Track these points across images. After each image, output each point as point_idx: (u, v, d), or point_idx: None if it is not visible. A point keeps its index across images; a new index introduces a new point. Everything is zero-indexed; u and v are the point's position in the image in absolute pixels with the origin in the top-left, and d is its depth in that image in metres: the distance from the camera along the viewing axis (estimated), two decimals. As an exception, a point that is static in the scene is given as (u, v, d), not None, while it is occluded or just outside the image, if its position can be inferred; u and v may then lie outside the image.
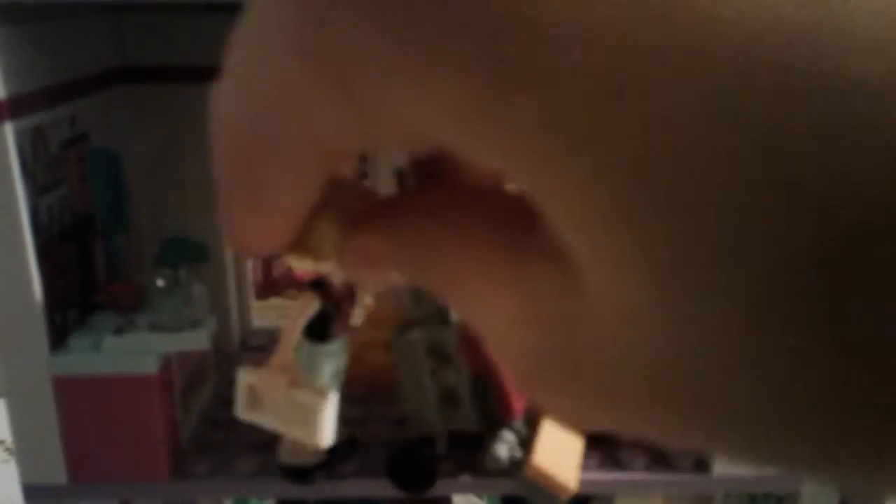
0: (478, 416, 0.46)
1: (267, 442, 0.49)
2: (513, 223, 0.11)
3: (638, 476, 0.46)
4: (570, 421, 0.11)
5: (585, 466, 0.46)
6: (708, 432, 0.09)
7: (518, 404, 0.45)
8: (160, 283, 0.48)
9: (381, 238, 0.13)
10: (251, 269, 0.63)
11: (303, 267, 0.14)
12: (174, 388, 0.46)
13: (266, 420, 0.31)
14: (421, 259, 0.12)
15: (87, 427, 0.44)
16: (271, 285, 0.76)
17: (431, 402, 0.46)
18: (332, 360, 0.41)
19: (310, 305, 0.36)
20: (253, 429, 0.50)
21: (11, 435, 0.43)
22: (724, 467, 0.45)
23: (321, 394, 0.31)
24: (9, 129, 0.38)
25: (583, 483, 0.46)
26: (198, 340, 0.44)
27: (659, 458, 0.47)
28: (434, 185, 0.14)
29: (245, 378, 0.31)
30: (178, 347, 0.44)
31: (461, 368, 0.45)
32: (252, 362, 0.32)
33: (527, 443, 0.45)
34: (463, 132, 0.08)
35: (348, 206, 0.13)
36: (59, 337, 0.43)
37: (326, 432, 0.31)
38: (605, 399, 0.10)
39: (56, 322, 0.44)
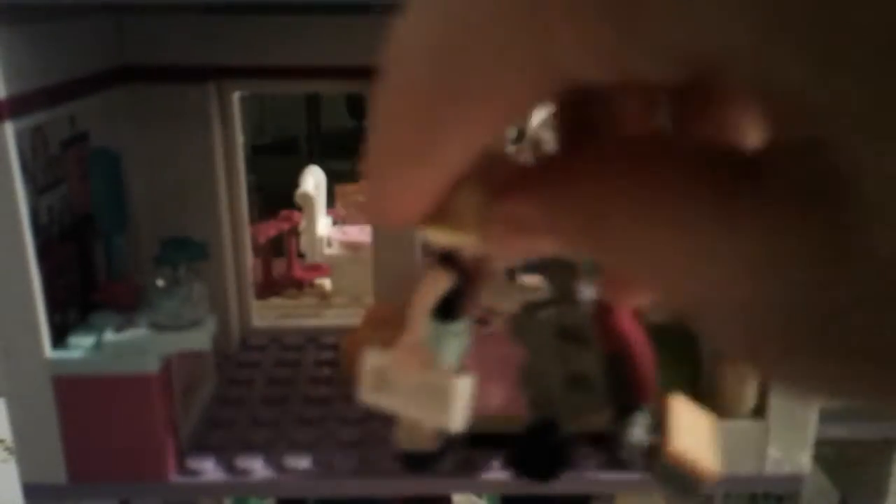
0: (607, 399, 0.43)
1: (267, 441, 0.49)
2: (702, 172, 0.10)
3: (638, 476, 0.46)
4: (807, 388, 0.10)
5: (585, 466, 0.46)
6: None
7: (652, 386, 0.43)
8: (160, 282, 0.48)
9: (535, 203, 0.12)
10: (251, 269, 0.63)
11: (441, 240, 0.14)
12: (174, 388, 0.46)
13: (392, 403, 0.30)
14: (589, 221, 0.11)
15: (87, 427, 0.44)
16: (271, 285, 0.76)
17: (558, 386, 0.43)
18: (457, 341, 0.39)
19: (440, 282, 0.33)
20: (253, 429, 0.50)
21: (11, 435, 0.43)
22: (723, 467, 0.45)
23: (458, 376, 0.29)
24: (9, 128, 0.38)
25: (583, 483, 0.46)
26: (198, 340, 0.44)
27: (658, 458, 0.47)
28: (576, 149, 0.13)
29: (373, 360, 0.30)
30: (178, 347, 0.44)
31: (592, 350, 0.42)
32: (376, 344, 0.31)
33: (656, 427, 0.43)
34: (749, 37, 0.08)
35: (489, 175, 0.13)
36: (59, 336, 0.43)
37: (460, 416, 0.29)
38: (865, 355, 0.09)
39: (56, 322, 0.44)
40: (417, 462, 0.42)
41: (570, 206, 0.11)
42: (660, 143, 0.11)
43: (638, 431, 0.43)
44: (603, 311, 0.42)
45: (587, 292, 0.42)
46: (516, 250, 0.13)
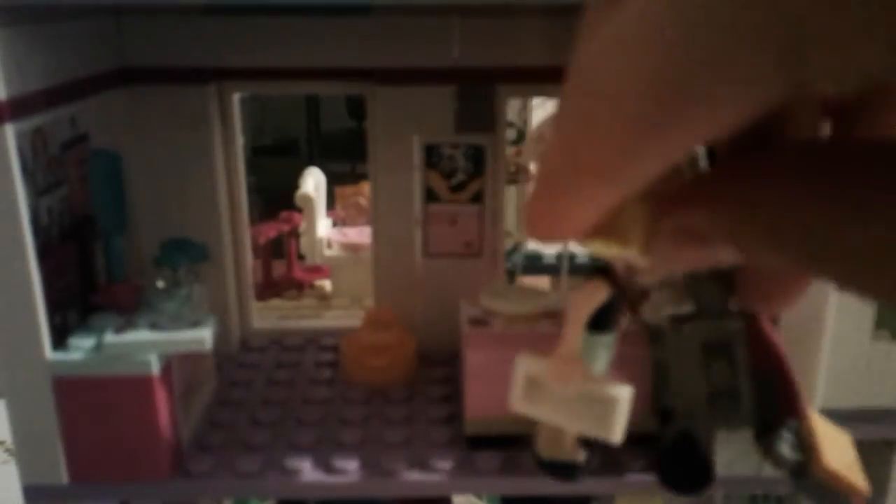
0: (752, 414, 0.43)
1: (267, 442, 0.49)
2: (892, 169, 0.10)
3: (638, 478, 0.46)
4: None
5: (585, 468, 0.46)
6: None
7: (802, 402, 0.43)
8: (160, 283, 0.48)
9: (711, 213, 0.12)
10: (251, 270, 0.63)
11: (604, 252, 0.14)
12: (174, 389, 0.46)
13: (545, 413, 0.30)
14: (779, 226, 0.11)
15: (87, 427, 0.44)
16: (271, 286, 0.76)
17: (702, 400, 0.43)
18: (606, 352, 0.39)
19: (597, 294, 0.33)
20: (253, 429, 0.50)
21: (11, 435, 0.43)
22: (724, 467, 0.45)
23: (621, 387, 0.29)
24: (9, 130, 0.38)
25: (583, 483, 0.46)
26: (198, 341, 0.44)
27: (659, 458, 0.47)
28: (744, 158, 0.13)
29: (527, 368, 0.29)
30: (178, 348, 0.44)
31: (739, 363, 0.42)
32: (530, 352, 0.30)
33: (802, 443, 0.43)
34: None
35: (652, 189, 0.13)
36: (59, 337, 0.43)
37: (621, 428, 0.29)
38: None
39: (56, 322, 0.44)
40: (561, 471, 0.41)
41: (753, 214, 0.11)
42: (851, 145, 0.12)
43: (785, 447, 0.43)
44: (750, 324, 0.41)
45: (734, 306, 0.42)
46: (683, 262, 0.14)
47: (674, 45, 0.10)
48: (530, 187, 1.00)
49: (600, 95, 0.11)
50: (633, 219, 0.13)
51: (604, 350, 0.39)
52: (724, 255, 0.13)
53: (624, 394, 0.29)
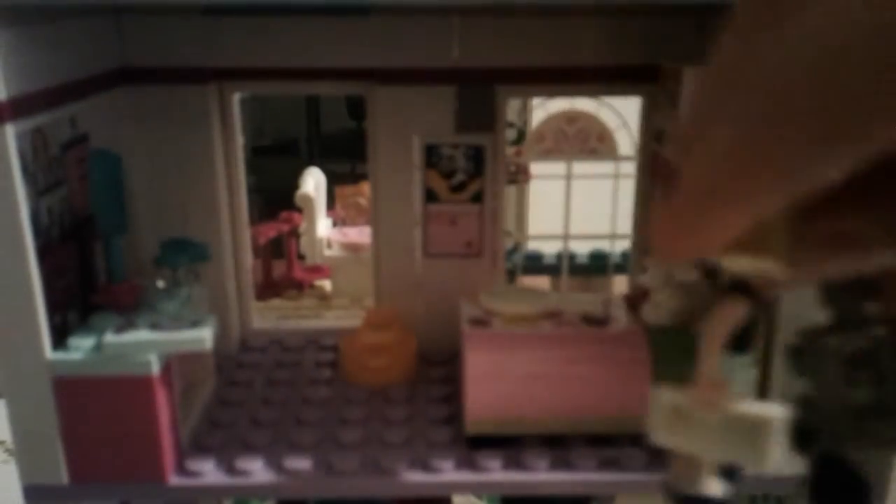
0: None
1: (267, 442, 0.49)
2: None
3: (638, 477, 0.46)
4: None
5: (585, 468, 0.46)
6: None
7: None
8: (160, 283, 0.48)
9: (872, 215, 0.12)
10: (251, 270, 0.63)
11: (743, 267, 0.13)
12: (174, 389, 0.46)
13: (691, 444, 0.28)
14: None
15: (87, 427, 0.44)
16: (271, 286, 0.76)
17: (850, 416, 0.41)
18: (747, 373, 0.37)
19: (735, 312, 0.31)
20: (253, 429, 0.50)
21: (11, 436, 0.43)
22: (723, 468, 0.45)
23: (772, 407, 0.27)
24: (9, 130, 0.38)
25: (582, 483, 0.46)
26: (198, 341, 0.44)
27: (658, 460, 0.47)
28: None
29: (666, 399, 0.28)
30: (178, 348, 0.44)
31: (890, 375, 0.40)
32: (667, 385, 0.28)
33: None
34: None
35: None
36: (59, 337, 0.43)
37: (774, 453, 0.27)
38: None
39: (56, 322, 0.44)
40: None
41: None
42: None
43: None
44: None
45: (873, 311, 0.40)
46: (831, 270, 0.13)
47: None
48: (530, 188, 1.00)
49: (770, 115, 0.11)
50: (776, 229, 0.13)
51: (744, 371, 0.37)
52: (882, 259, 0.12)
53: (776, 414, 0.26)
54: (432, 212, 0.58)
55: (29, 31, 0.41)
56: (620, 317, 0.51)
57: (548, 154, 0.58)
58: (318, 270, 0.78)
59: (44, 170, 0.44)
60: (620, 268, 0.67)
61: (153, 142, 0.55)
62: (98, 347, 0.43)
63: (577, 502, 0.67)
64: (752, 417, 0.27)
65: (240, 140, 0.59)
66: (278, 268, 0.79)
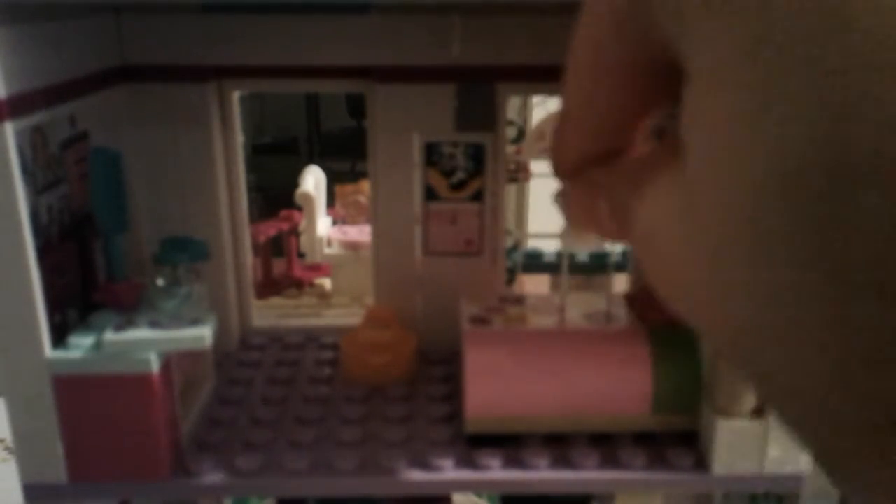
0: None
1: (267, 440, 0.49)
2: None
3: (638, 476, 0.46)
4: None
5: (585, 466, 0.46)
6: None
7: None
8: (160, 282, 0.48)
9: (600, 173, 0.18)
10: (251, 268, 0.63)
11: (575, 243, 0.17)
12: (174, 388, 0.46)
13: None
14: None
15: (87, 427, 0.44)
16: (271, 285, 0.76)
17: None
18: None
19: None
20: (253, 427, 0.50)
21: (11, 434, 0.43)
22: (723, 467, 0.45)
23: None
24: (8, 128, 0.38)
25: (582, 483, 0.46)
26: (198, 340, 0.44)
27: (658, 458, 0.47)
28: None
29: None
30: (178, 347, 0.44)
31: None
32: None
33: None
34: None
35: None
36: (58, 336, 0.43)
37: None
38: None
39: (56, 321, 0.44)
40: None
41: (618, 178, 0.18)
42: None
43: None
44: None
45: None
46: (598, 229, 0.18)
47: None
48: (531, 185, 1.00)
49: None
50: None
51: None
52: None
53: None
54: (432, 210, 0.58)
55: (29, 29, 0.41)
56: (621, 316, 0.51)
57: (548, 152, 0.58)
58: (318, 269, 0.78)
59: (43, 168, 0.44)
60: (620, 266, 0.67)
61: (152, 140, 0.55)
62: (98, 346, 0.43)
63: (577, 501, 0.67)
64: None
65: (240, 138, 0.59)
66: (278, 266, 0.79)
